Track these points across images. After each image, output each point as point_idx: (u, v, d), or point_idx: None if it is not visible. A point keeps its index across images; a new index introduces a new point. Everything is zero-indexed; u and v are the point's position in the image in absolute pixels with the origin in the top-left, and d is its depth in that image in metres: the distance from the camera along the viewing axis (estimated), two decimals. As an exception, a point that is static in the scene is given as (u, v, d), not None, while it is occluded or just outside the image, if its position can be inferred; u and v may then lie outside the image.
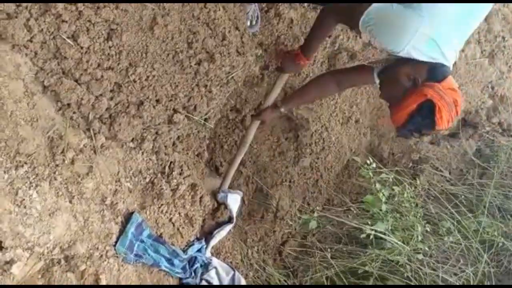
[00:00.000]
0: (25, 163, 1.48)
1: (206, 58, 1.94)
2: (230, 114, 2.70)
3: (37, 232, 1.46)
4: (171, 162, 2.09)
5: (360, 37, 1.82)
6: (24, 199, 1.44)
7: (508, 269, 2.57)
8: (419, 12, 1.50)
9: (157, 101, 1.89)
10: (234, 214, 2.40)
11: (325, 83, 2.11)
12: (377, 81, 1.85)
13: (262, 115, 2.29)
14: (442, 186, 2.96)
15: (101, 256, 1.65)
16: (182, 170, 2.13)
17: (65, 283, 1.49)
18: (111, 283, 1.66)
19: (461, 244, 2.50)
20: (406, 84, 1.61)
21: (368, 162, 2.60)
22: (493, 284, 2.45)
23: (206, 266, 2.16)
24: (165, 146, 2.05)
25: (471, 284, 2.39)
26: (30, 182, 1.48)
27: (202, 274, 2.13)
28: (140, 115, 1.83)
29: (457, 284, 2.37)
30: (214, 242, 2.27)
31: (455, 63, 3.07)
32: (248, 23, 2.38)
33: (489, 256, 2.51)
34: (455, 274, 2.41)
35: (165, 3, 1.79)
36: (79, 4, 1.59)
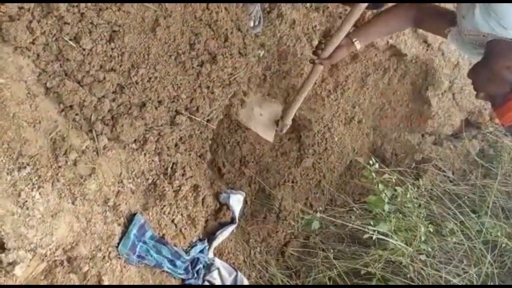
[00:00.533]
0: (28, 164, 1.48)
1: (208, 60, 1.95)
2: (233, 115, 2.70)
3: (40, 234, 1.46)
4: (173, 163, 2.09)
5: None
6: (26, 201, 1.44)
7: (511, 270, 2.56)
8: None
9: (160, 102, 1.89)
10: (237, 215, 2.40)
11: (404, 15, 1.92)
12: (450, 40, 1.74)
13: (333, 57, 1.99)
14: (445, 186, 2.95)
15: (104, 257, 1.66)
16: (184, 171, 2.14)
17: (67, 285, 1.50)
18: (114, 284, 1.66)
19: (464, 244, 2.49)
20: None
21: (370, 162, 2.59)
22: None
23: (208, 267, 2.16)
24: (168, 147, 2.05)
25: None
26: (33, 184, 1.48)
27: (205, 275, 2.13)
28: (142, 116, 1.83)
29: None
30: (216, 243, 2.27)
31: (457, 63, 3.09)
32: (251, 24, 2.38)
33: (493, 257, 2.50)
34: (458, 275, 2.40)
35: (167, 5, 1.79)
36: (81, 6, 1.59)
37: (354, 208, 2.75)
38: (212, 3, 1.95)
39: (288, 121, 2.38)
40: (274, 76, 2.68)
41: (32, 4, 1.52)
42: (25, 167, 1.47)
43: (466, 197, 2.82)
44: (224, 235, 2.31)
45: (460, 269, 2.42)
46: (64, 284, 1.49)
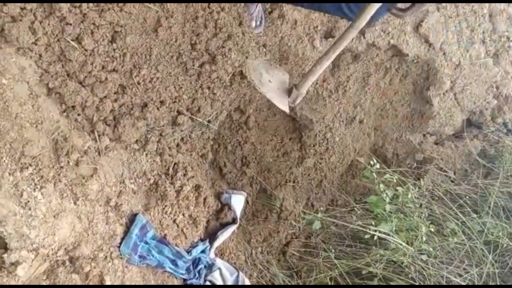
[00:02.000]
0: (30, 165, 1.49)
1: (209, 60, 1.95)
2: (234, 115, 2.70)
3: (42, 234, 1.47)
4: (175, 163, 2.10)
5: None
6: (29, 201, 1.45)
7: (513, 270, 2.56)
8: None
9: (161, 102, 1.89)
10: (238, 215, 2.41)
11: None
12: None
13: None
14: (446, 186, 2.95)
15: (106, 257, 1.66)
16: (186, 171, 2.14)
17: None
18: (116, 284, 1.67)
19: (465, 244, 2.49)
20: None
21: (372, 162, 2.59)
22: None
23: (210, 267, 2.17)
24: (169, 148, 2.06)
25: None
26: (35, 184, 1.49)
27: (206, 275, 2.13)
28: (144, 116, 1.84)
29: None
30: (218, 243, 2.28)
31: (459, 63, 3.09)
32: (253, 24, 2.39)
33: (494, 257, 2.50)
34: (460, 275, 2.40)
35: (169, 6, 1.79)
36: (84, 7, 1.60)
37: (355, 208, 2.75)
38: (214, 3, 1.95)
39: (303, 91, 2.11)
40: (275, 77, 2.68)
41: (34, 5, 1.52)
42: (27, 168, 1.47)
43: (467, 197, 2.82)
44: (225, 235, 2.31)
45: (462, 269, 2.42)
46: (66, 284, 1.49)
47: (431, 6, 2.90)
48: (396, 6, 1.84)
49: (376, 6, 1.86)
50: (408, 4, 1.80)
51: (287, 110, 2.16)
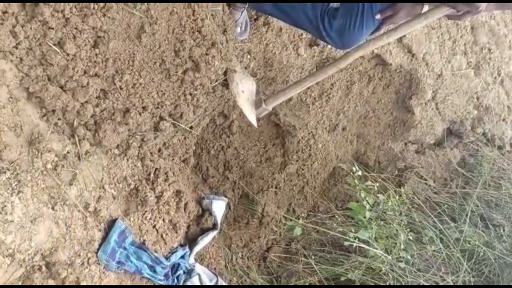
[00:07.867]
0: (8, 169, 1.47)
1: (193, 67, 1.95)
2: (218, 120, 2.71)
3: (18, 239, 1.46)
4: (156, 169, 2.09)
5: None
6: (5, 206, 1.44)
7: (489, 278, 2.61)
8: None
9: (143, 108, 1.89)
10: (219, 221, 2.41)
11: None
12: None
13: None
14: (426, 194, 3.00)
15: (83, 263, 1.65)
16: (167, 176, 2.14)
17: (45, 290, 1.49)
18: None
19: (442, 252, 2.53)
20: None
21: (354, 169, 2.62)
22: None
23: (189, 273, 2.17)
24: (151, 153, 2.05)
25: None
26: (12, 189, 1.48)
27: (185, 280, 2.13)
28: (125, 122, 1.83)
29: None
30: (198, 248, 2.28)
31: (441, 73, 3.14)
32: (238, 30, 2.40)
33: (470, 265, 2.55)
34: (436, 283, 2.44)
35: (153, 12, 1.79)
36: (66, 11, 1.59)
37: (336, 215, 2.77)
38: (199, 11, 1.95)
39: (271, 107, 2.14)
40: (260, 83, 2.70)
41: (16, 9, 1.51)
42: (4, 172, 1.46)
43: (446, 206, 2.87)
44: (205, 240, 2.32)
45: (438, 277, 2.46)
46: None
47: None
48: None
49: (359, 53, 1.90)
50: None
51: (255, 124, 2.13)
